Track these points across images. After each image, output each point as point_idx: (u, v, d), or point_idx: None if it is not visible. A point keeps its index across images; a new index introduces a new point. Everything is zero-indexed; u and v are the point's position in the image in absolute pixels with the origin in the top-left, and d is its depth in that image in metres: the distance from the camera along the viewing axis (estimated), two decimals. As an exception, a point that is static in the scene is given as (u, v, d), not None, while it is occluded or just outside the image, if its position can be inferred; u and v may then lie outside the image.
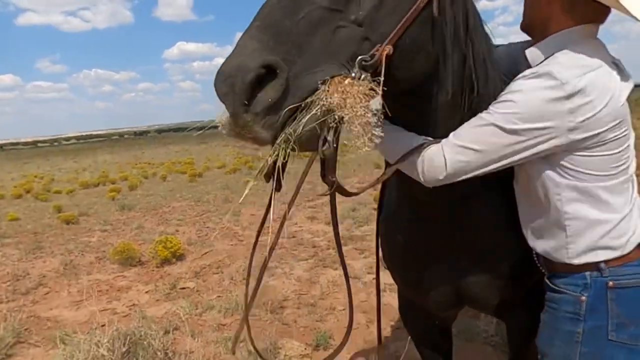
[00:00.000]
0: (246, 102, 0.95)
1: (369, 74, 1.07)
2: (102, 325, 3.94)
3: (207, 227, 7.87)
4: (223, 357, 3.44)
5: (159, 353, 3.32)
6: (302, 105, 1.01)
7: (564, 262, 1.33)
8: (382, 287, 4.63)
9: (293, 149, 1.03)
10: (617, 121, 1.20)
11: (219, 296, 4.72)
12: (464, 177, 1.30)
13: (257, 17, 1.03)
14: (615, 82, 1.22)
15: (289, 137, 1.01)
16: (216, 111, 1.05)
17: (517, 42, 1.71)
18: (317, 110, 1.01)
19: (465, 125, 1.29)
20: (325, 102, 1.00)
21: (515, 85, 1.23)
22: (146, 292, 5.09)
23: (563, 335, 1.34)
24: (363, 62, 1.07)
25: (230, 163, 22.75)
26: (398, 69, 1.16)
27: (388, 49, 1.09)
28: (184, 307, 4.34)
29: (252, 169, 18.39)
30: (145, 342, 3.33)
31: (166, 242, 5.96)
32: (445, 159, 1.27)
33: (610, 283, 1.27)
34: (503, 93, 1.26)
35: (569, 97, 1.15)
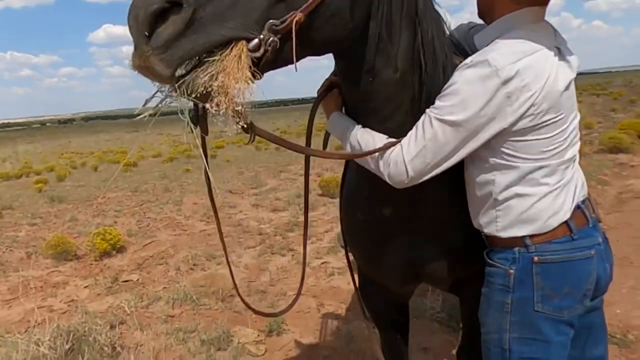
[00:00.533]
0: (147, 34, 0.95)
1: (276, 38, 1.08)
2: (39, 323, 3.72)
3: (147, 217, 7.58)
4: (174, 349, 3.35)
5: (105, 348, 3.19)
6: (201, 58, 1.01)
7: (494, 235, 1.42)
8: (330, 271, 4.75)
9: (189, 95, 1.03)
10: (552, 105, 1.26)
11: (165, 287, 4.58)
12: (429, 175, 1.36)
13: None
14: (552, 65, 1.27)
15: (185, 86, 1.01)
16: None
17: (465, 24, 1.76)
18: (206, 76, 1.01)
19: (417, 125, 1.35)
20: (211, 79, 1.01)
21: (455, 76, 1.29)
22: (85, 286, 4.84)
23: (495, 305, 1.44)
24: (273, 27, 1.08)
25: (166, 152, 21.99)
26: (313, 32, 1.19)
27: (300, 16, 1.10)
28: (128, 300, 4.18)
29: (190, 157, 17.90)
30: (90, 338, 3.19)
31: (105, 233, 5.68)
32: (405, 165, 1.35)
33: (536, 258, 1.36)
34: (445, 85, 1.31)
35: (505, 82, 1.21)
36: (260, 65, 1.09)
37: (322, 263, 5.04)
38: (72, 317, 3.84)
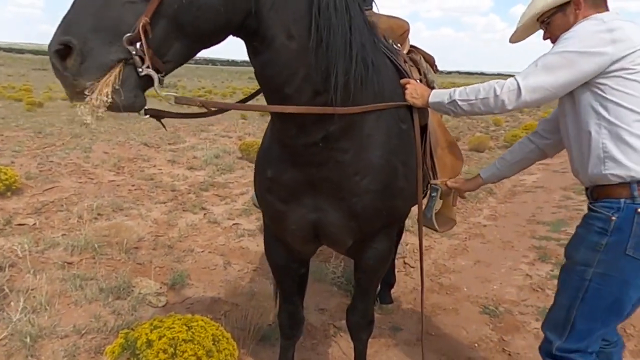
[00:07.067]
0: (61, 66, 1.18)
1: (137, 47, 1.20)
2: None
3: (50, 161, 7.06)
4: (70, 294, 3.25)
5: (-8, 289, 3.02)
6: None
7: (602, 182, 1.63)
8: (241, 232, 4.81)
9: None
10: None
11: (64, 234, 4.37)
12: (538, 96, 1.64)
13: (66, 12, 1.21)
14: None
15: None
16: None
17: None
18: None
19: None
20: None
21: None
22: (-28, 226, 4.48)
23: (589, 244, 1.67)
24: (129, 38, 1.19)
25: (78, 96, 20.38)
26: (185, 29, 1.29)
27: (144, 20, 1.20)
28: (21, 243, 3.94)
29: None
30: (-26, 278, 2.99)
31: (-1, 173, 5.25)
32: (519, 85, 1.63)
33: (639, 209, 1.57)
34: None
35: (610, 30, 1.56)
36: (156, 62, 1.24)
37: (234, 224, 5.08)
38: (-45, 257, 3.56)
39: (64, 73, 1.18)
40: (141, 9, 1.20)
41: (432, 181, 2.14)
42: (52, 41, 1.19)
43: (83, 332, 2.84)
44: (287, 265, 2.17)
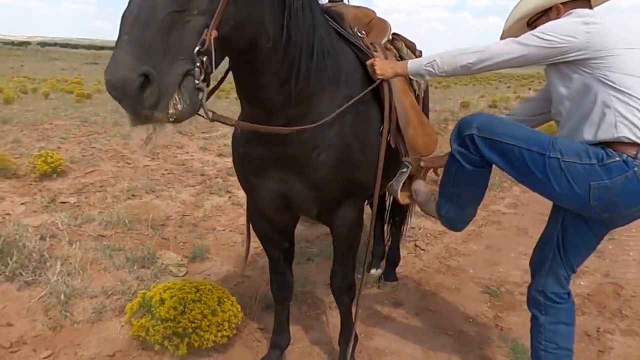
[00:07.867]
0: (139, 102, 1.22)
1: (206, 59, 1.30)
2: (-29, 229, 3.87)
3: (93, 147, 7.60)
4: (101, 262, 3.62)
5: (34, 254, 3.42)
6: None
7: (614, 137, 1.70)
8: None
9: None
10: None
11: (100, 212, 4.78)
12: (509, 58, 1.82)
13: (123, 30, 1.23)
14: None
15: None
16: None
17: None
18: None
19: None
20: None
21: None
22: (22, 203, 4.96)
23: (581, 153, 1.73)
24: (200, 51, 1.29)
25: (124, 88, 21.27)
26: (234, 41, 1.45)
27: (215, 34, 1.31)
28: (62, 218, 4.37)
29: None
30: (20, 244, 3.39)
31: (47, 156, 5.75)
32: (498, 44, 1.85)
33: (637, 169, 1.66)
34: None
35: (581, 16, 1.77)
36: (208, 77, 1.35)
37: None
38: (5, 227, 4.00)
39: (139, 106, 1.21)
40: (200, 24, 1.29)
41: (404, 158, 2.30)
42: (122, 71, 1.17)
43: (110, 293, 3.19)
44: (270, 236, 2.40)
